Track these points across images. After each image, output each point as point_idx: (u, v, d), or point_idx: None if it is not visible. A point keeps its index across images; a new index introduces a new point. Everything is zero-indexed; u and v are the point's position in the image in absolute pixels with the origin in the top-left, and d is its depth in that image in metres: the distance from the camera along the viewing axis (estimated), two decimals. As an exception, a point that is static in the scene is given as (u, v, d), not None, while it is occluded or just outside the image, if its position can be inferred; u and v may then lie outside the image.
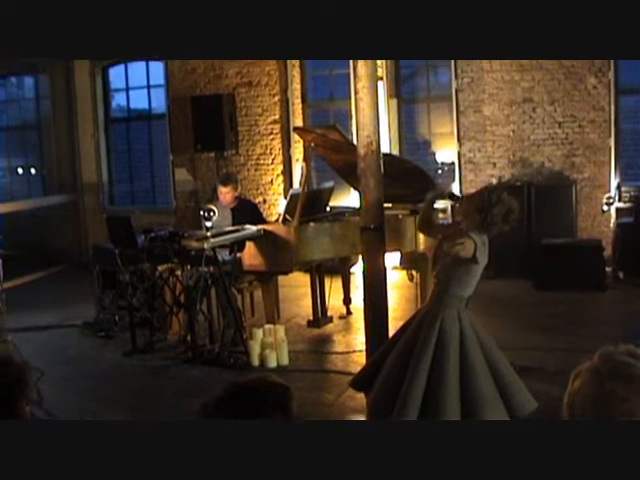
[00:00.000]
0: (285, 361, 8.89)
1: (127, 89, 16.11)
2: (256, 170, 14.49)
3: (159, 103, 15.70)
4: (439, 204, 11.68)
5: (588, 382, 2.46)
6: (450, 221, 6.24)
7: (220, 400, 2.43)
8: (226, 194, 10.06)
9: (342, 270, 10.72)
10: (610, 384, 2.41)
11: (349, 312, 10.64)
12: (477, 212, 6.04)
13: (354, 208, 10.06)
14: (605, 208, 12.02)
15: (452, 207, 7.56)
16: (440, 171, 13.61)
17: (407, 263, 10.59)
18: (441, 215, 12.12)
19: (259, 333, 9.00)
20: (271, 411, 2.41)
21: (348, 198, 12.13)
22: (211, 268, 9.06)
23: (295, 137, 13.79)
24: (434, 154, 13.85)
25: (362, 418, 7.00)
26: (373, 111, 7.09)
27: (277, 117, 14.26)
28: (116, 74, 16.01)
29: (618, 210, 12.10)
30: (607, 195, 12.08)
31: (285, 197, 12.48)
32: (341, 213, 10.51)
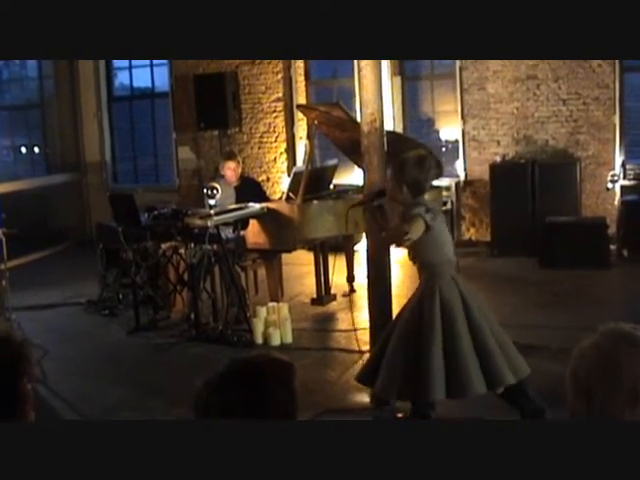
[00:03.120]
0: (289, 339, 8.90)
1: (130, 67, 16.08)
2: (259, 148, 14.47)
3: (162, 81, 15.66)
4: (443, 181, 11.72)
5: (591, 352, 2.46)
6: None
7: (222, 376, 2.42)
8: (235, 169, 10.08)
9: (346, 248, 10.70)
10: (614, 350, 2.42)
11: (352, 290, 10.62)
12: (400, 184, 6.10)
13: (358, 186, 10.04)
14: (610, 186, 11.99)
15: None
16: (444, 149, 13.58)
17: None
18: (445, 193, 12.14)
19: (263, 311, 9.00)
20: (274, 387, 2.40)
21: (352, 176, 12.10)
22: (215, 246, 9.04)
23: (298, 115, 13.79)
24: (438, 132, 13.81)
25: (365, 396, 7.01)
26: (377, 88, 7.07)
27: (280, 95, 14.23)
28: (119, 52, 15.95)
29: (622, 188, 12.07)
30: (612, 173, 12.05)
31: (289, 175, 12.46)
32: (345, 191, 10.51)
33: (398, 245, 6.46)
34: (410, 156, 6.19)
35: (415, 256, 6.26)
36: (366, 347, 7.99)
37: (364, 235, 7.92)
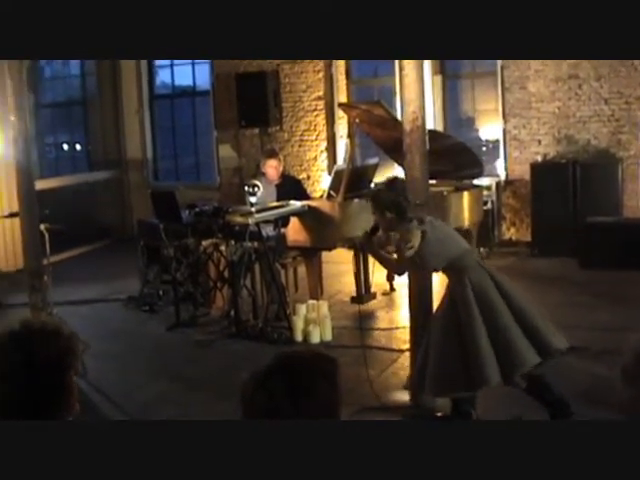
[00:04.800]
0: (328, 337, 8.91)
1: (172, 66, 16.18)
2: (300, 146, 14.49)
3: (203, 80, 15.75)
4: (484, 181, 11.69)
5: None
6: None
7: (268, 369, 2.45)
8: (276, 167, 10.12)
9: (386, 247, 10.70)
10: None
11: (392, 289, 10.61)
12: (383, 213, 6.25)
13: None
14: (651, 186, 11.90)
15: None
16: (484, 148, 13.54)
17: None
18: (486, 193, 12.11)
19: (302, 309, 9.02)
20: (318, 381, 2.42)
21: (393, 174, 12.08)
22: (255, 243, 9.08)
23: (339, 113, 13.81)
24: (478, 131, 13.78)
25: (404, 395, 7.01)
26: (419, 87, 7.06)
27: (321, 93, 14.24)
28: (161, 50, 16.02)
29: (664, 188, 11.97)
30: (653, 173, 11.96)
31: (329, 173, 12.48)
32: (385, 190, 10.49)
33: (401, 260, 6.47)
34: (379, 185, 6.55)
35: (435, 269, 6.38)
36: (406, 346, 7.99)
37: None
